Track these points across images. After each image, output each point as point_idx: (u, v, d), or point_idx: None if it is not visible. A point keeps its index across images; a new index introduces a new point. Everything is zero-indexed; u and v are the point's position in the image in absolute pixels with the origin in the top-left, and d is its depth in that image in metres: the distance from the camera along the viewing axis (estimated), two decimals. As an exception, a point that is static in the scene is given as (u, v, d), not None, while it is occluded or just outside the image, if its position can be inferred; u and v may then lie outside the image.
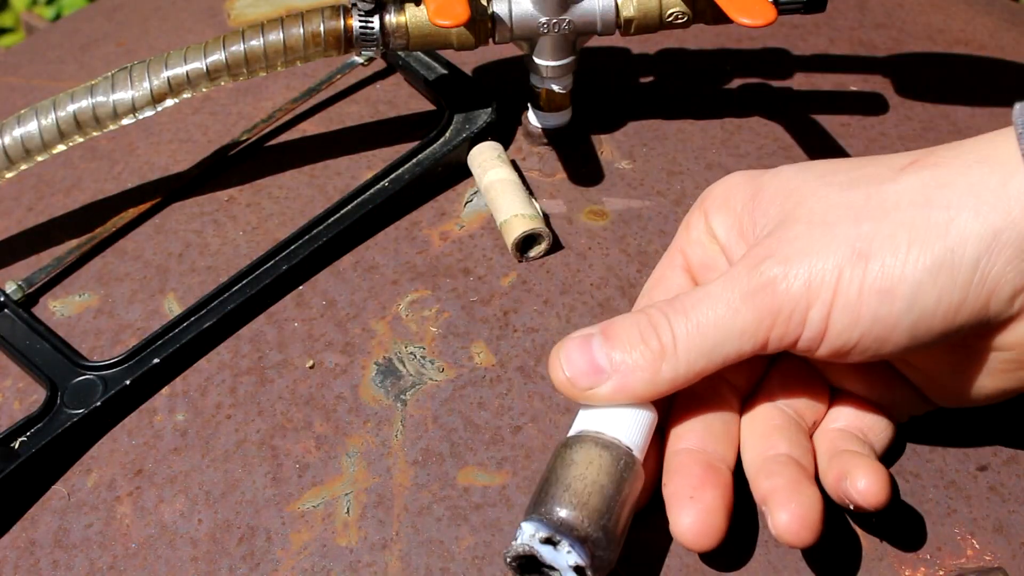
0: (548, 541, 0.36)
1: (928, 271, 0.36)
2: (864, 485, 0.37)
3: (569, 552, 0.36)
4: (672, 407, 0.42)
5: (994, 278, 0.35)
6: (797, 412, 0.42)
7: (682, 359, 0.38)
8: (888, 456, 0.43)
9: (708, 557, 0.41)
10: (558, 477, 0.38)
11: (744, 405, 0.43)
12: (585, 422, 0.40)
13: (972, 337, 0.37)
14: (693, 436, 0.41)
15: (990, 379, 0.39)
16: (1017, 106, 0.36)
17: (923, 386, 0.41)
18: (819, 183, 0.39)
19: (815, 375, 0.43)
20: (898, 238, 0.36)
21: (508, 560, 0.37)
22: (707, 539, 0.38)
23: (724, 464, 0.40)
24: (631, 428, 0.39)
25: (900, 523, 0.42)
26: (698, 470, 0.39)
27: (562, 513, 0.36)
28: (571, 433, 0.40)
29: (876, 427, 0.42)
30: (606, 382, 0.39)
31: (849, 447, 0.40)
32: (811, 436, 0.42)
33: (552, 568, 0.37)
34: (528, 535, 0.36)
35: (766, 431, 0.41)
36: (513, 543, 0.37)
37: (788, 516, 0.37)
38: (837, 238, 0.37)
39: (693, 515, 0.38)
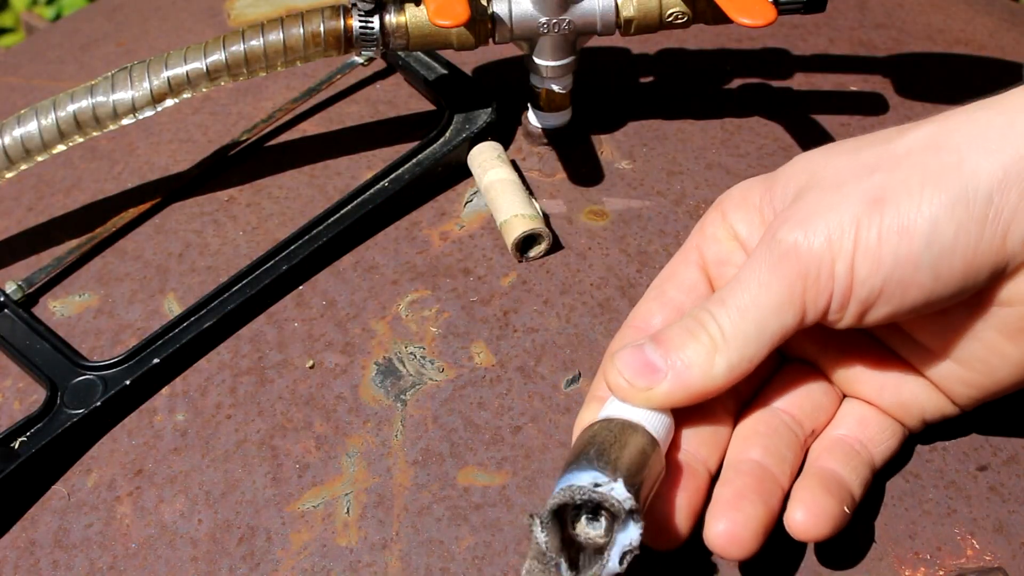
0: (634, 513, 0.34)
1: (944, 206, 0.36)
2: (799, 518, 0.37)
3: (640, 534, 0.34)
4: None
5: (1008, 215, 0.35)
6: (795, 418, 0.41)
7: (732, 347, 0.38)
8: (888, 456, 0.43)
9: (706, 553, 0.41)
10: (632, 457, 0.36)
11: (744, 409, 0.43)
12: (621, 413, 0.39)
13: (988, 291, 0.37)
14: (678, 436, 0.40)
15: (1013, 345, 0.38)
16: None
17: (938, 373, 0.40)
18: (828, 156, 0.40)
19: (822, 380, 0.43)
20: (911, 181, 0.36)
21: (576, 498, 0.34)
22: (666, 541, 0.38)
23: (703, 466, 0.40)
24: (661, 429, 0.39)
25: (900, 523, 0.42)
26: (672, 470, 0.39)
27: (641, 498, 0.35)
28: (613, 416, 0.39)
29: (878, 436, 0.41)
30: (664, 380, 0.38)
31: (829, 462, 0.40)
32: (808, 443, 0.41)
33: (582, 530, 0.35)
34: (623, 495, 0.34)
35: (748, 435, 0.41)
36: (599, 488, 0.34)
37: (718, 528, 0.37)
38: (851, 194, 0.37)
39: (656, 515, 0.38)
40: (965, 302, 0.38)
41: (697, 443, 0.40)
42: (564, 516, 0.35)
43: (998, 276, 0.37)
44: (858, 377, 0.42)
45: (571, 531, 0.35)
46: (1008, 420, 0.45)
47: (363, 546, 0.42)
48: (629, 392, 0.39)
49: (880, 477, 0.43)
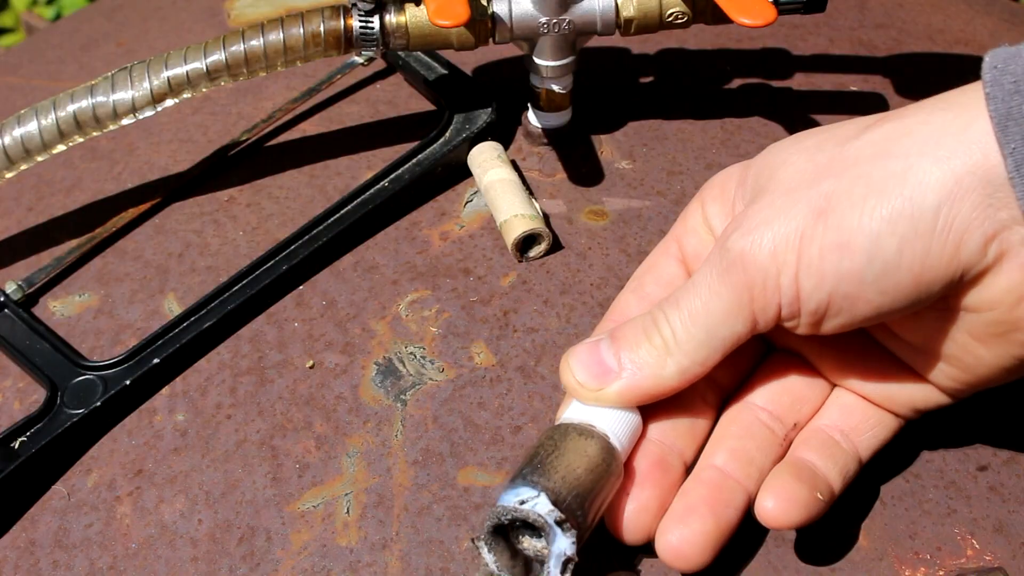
0: (561, 524, 0.35)
1: (885, 221, 0.35)
2: (768, 506, 0.37)
3: (573, 543, 0.35)
4: None
5: (961, 225, 0.34)
6: (773, 414, 0.41)
7: (683, 351, 0.38)
8: (887, 455, 0.43)
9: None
10: (569, 465, 0.37)
11: (727, 400, 0.42)
12: (581, 414, 0.39)
13: (953, 297, 0.36)
14: (654, 427, 0.40)
15: (985, 349, 0.37)
16: (987, 56, 0.35)
17: (922, 367, 0.40)
18: (789, 152, 0.39)
19: (806, 371, 0.42)
20: (855, 192, 0.36)
21: (502, 519, 0.35)
22: (630, 535, 0.38)
23: (679, 459, 0.40)
24: (622, 429, 0.39)
25: (900, 523, 0.42)
26: (644, 464, 0.39)
27: (576, 506, 0.36)
28: (570, 420, 0.39)
29: (862, 426, 0.41)
30: (615, 382, 0.39)
31: (805, 453, 0.40)
32: (791, 437, 0.41)
33: (528, 544, 0.36)
34: (546, 508, 0.35)
35: (719, 437, 0.41)
36: (522, 506, 0.35)
37: (665, 540, 0.37)
38: (799, 201, 0.37)
39: (623, 511, 0.38)
40: (935, 306, 0.37)
41: (674, 435, 0.40)
42: (508, 532, 0.36)
43: (956, 285, 0.36)
44: (843, 367, 0.42)
45: (519, 546, 0.36)
46: (1008, 420, 0.45)
47: (363, 546, 0.42)
48: (580, 392, 0.39)
49: (880, 477, 0.43)
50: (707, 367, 0.39)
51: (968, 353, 0.38)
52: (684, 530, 0.37)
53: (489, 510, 0.36)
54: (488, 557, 0.36)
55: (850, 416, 0.41)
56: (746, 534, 0.41)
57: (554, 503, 0.35)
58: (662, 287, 0.43)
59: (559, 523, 0.35)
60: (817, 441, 0.40)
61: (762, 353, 0.44)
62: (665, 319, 0.39)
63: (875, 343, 0.41)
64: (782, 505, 0.37)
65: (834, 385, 0.42)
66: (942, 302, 0.37)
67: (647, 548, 0.39)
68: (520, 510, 0.35)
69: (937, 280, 0.35)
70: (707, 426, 0.42)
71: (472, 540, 0.36)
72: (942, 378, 0.40)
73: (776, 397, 0.42)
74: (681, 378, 0.38)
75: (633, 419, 0.39)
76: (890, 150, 0.36)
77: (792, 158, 0.38)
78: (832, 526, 0.41)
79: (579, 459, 0.37)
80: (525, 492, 0.36)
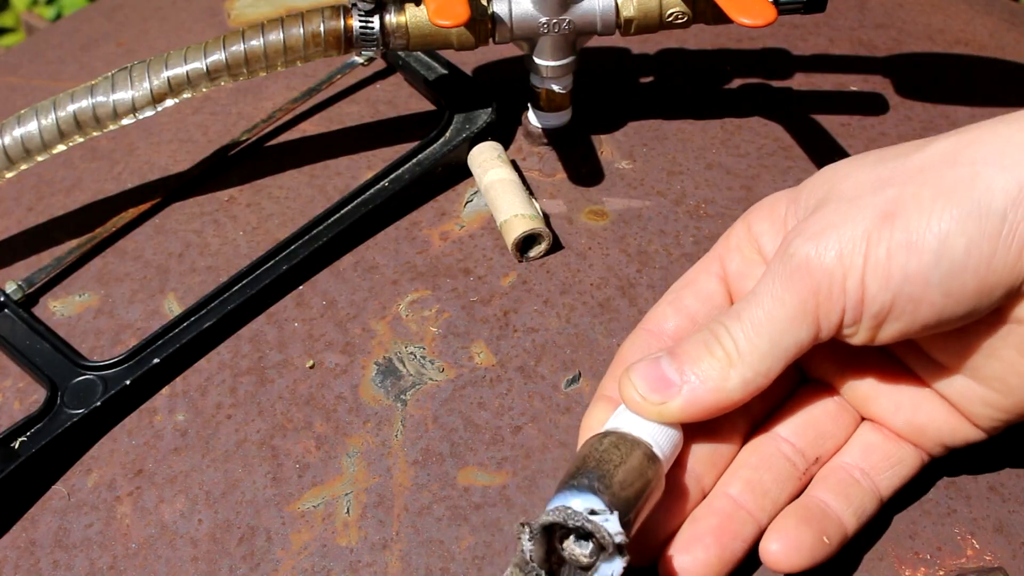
0: (622, 548, 0.35)
1: (955, 221, 0.35)
2: (773, 550, 0.38)
3: (624, 568, 0.35)
4: None
5: None
6: (796, 447, 0.41)
7: (747, 363, 0.38)
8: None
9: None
10: (632, 484, 0.36)
11: (754, 430, 0.42)
12: (630, 427, 0.39)
13: (1006, 309, 0.37)
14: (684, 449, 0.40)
15: None
16: None
17: (959, 395, 0.40)
18: (850, 168, 0.39)
19: (834, 405, 0.42)
20: (923, 195, 0.36)
21: (569, 522, 0.35)
22: (638, 557, 0.38)
23: (697, 484, 0.40)
24: (668, 447, 0.39)
25: (900, 523, 0.42)
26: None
27: (631, 525, 0.35)
28: (631, 433, 0.39)
29: (883, 464, 0.41)
30: (677, 396, 0.38)
31: (820, 492, 0.40)
32: (812, 472, 0.41)
33: (569, 548, 0.35)
34: (616, 530, 0.34)
35: (737, 466, 0.41)
36: (594, 518, 0.34)
37: (668, 569, 0.38)
38: (864, 208, 0.37)
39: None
40: (984, 320, 0.37)
41: (694, 460, 0.40)
42: (553, 529, 0.35)
43: (1014, 295, 0.36)
44: (874, 397, 0.41)
45: (557, 544, 0.35)
46: (1008, 420, 0.45)
47: (363, 546, 0.42)
48: (642, 406, 0.39)
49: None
50: (770, 378, 0.38)
51: (1012, 371, 0.38)
52: (686, 559, 0.38)
53: (553, 506, 0.35)
54: (528, 547, 0.35)
55: (871, 455, 0.41)
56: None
57: (622, 523, 0.35)
58: (701, 302, 0.43)
59: (620, 548, 0.34)
60: (835, 480, 0.40)
61: (795, 383, 0.43)
62: (727, 332, 0.38)
63: (910, 373, 0.41)
64: (786, 550, 0.38)
65: (862, 419, 0.42)
66: (992, 316, 0.37)
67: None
68: (592, 523, 0.35)
69: (999, 285, 0.36)
70: (730, 453, 0.41)
71: (521, 524, 0.35)
72: (979, 406, 0.39)
73: (801, 430, 0.41)
74: (745, 390, 0.38)
75: (678, 437, 0.39)
76: (956, 158, 0.36)
77: (853, 172, 0.39)
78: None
79: (640, 481, 0.37)
80: (596, 503, 0.35)
